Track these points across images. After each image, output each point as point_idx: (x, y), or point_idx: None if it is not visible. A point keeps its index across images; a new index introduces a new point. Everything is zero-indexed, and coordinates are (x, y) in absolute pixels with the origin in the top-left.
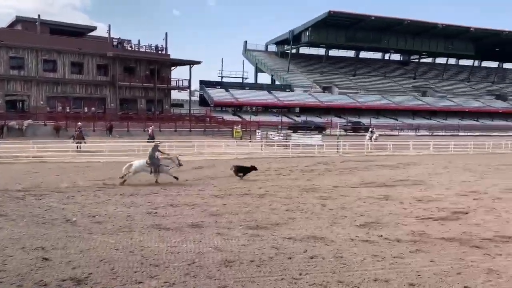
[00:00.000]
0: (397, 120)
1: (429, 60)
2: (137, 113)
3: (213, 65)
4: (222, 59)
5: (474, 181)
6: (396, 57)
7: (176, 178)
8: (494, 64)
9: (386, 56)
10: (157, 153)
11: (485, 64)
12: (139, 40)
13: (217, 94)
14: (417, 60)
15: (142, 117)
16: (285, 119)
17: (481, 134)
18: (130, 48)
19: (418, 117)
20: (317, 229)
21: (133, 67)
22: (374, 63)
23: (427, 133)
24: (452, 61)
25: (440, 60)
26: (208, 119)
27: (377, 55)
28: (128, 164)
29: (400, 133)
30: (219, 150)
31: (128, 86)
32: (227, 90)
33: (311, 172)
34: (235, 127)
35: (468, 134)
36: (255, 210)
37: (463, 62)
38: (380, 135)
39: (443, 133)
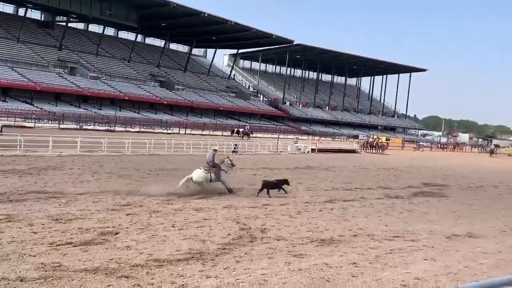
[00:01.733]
0: (33, 105)
1: (81, 26)
2: None
3: None
4: None
5: (128, 191)
6: (36, 15)
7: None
8: (160, 43)
9: (21, 12)
10: (216, 159)
11: (150, 41)
12: None
13: None
14: (64, 24)
15: None
16: None
17: (143, 130)
18: None
19: (63, 102)
20: None
21: None
22: (3, 20)
23: (75, 126)
24: (110, 31)
25: (95, 29)
26: None
27: (8, 9)
28: (186, 177)
29: (37, 124)
30: None
31: None
32: None
33: None
34: None
35: (128, 130)
36: None
37: (123, 35)
38: (4, 126)
39: (96, 127)
